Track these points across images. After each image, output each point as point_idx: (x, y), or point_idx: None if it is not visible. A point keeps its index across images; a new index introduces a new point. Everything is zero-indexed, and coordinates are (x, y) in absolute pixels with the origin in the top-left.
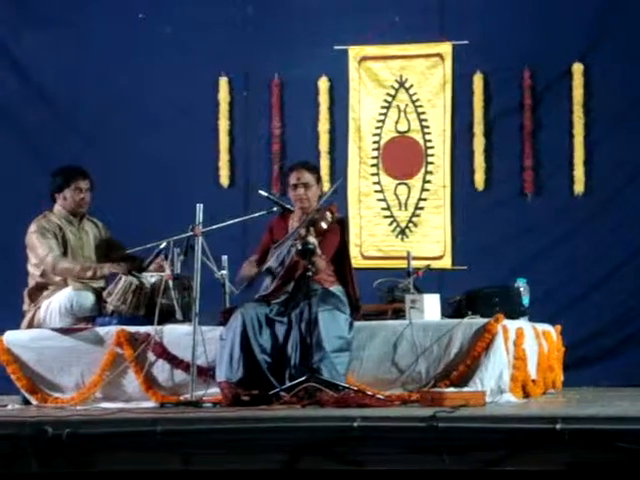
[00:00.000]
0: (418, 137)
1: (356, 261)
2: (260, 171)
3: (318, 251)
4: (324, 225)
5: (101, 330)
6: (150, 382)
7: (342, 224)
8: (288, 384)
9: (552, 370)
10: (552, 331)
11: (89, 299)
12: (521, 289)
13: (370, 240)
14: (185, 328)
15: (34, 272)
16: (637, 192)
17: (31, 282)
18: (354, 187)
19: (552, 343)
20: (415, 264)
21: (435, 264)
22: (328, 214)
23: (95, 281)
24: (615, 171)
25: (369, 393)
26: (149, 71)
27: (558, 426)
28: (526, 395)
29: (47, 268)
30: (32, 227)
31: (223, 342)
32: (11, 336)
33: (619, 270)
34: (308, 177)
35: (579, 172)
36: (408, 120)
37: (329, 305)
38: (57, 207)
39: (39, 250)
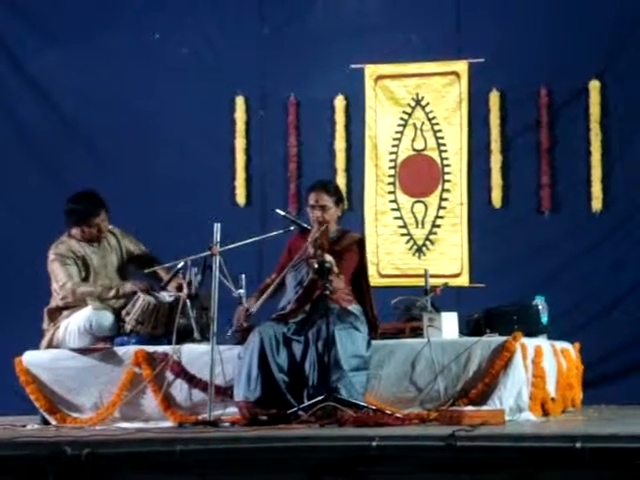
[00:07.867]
0: (435, 155)
1: (373, 279)
2: (277, 190)
3: (335, 269)
4: (324, 241)
5: (119, 350)
6: (168, 402)
7: (360, 243)
8: (306, 403)
9: (571, 388)
10: (571, 349)
11: (108, 319)
12: (539, 307)
13: (387, 258)
14: (203, 347)
15: (56, 294)
16: None
17: (52, 302)
18: (371, 205)
19: (571, 361)
20: (432, 282)
21: (452, 282)
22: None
23: (117, 301)
24: (633, 188)
25: (388, 412)
26: (165, 91)
27: (578, 445)
28: (545, 413)
29: (67, 295)
30: (51, 255)
31: (241, 361)
32: (30, 356)
33: (637, 287)
34: (326, 199)
35: (596, 189)
36: (424, 138)
37: (346, 323)
38: (74, 230)
39: (59, 277)
